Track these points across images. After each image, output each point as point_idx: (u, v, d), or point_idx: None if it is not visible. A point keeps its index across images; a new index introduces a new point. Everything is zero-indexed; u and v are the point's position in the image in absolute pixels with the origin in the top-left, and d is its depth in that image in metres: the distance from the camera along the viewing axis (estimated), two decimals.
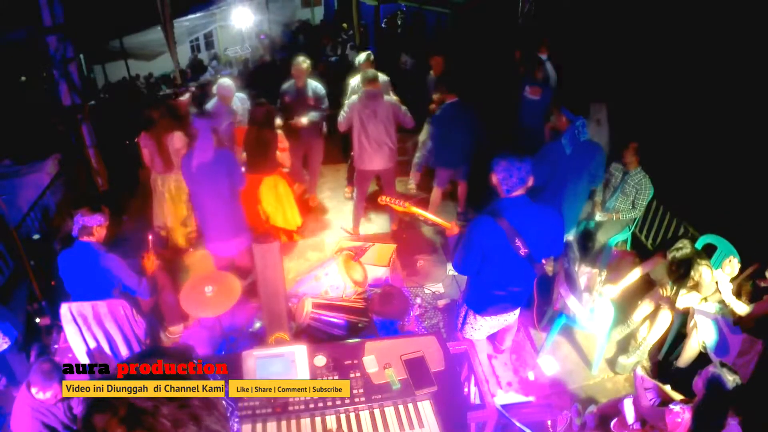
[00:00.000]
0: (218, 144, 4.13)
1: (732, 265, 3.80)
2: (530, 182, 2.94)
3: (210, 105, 5.57)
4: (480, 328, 3.40)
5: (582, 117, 4.11)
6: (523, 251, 2.93)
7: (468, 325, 3.43)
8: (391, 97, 5.24)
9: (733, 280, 3.83)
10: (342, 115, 5.12)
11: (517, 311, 3.46)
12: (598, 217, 4.85)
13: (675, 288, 3.88)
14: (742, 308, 3.64)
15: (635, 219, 5.01)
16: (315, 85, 5.77)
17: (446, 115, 5.17)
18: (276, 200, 5.04)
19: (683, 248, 3.74)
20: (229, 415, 0.83)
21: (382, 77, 5.64)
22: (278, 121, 5.27)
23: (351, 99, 5.16)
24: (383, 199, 3.57)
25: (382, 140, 5.09)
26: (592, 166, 4.17)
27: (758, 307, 3.58)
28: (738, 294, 3.79)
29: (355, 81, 5.74)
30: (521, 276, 3.11)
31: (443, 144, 5.34)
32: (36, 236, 5.28)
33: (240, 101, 5.73)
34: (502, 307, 3.29)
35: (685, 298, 3.84)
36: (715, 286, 3.75)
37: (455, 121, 5.14)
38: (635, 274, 4.14)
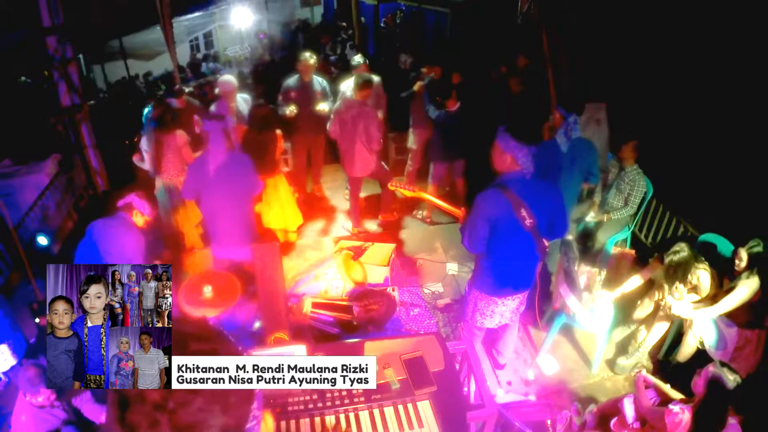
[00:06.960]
0: (230, 146, 4.04)
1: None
2: (530, 167, 3.07)
3: (214, 106, 5.50)
4: (490, 313, 3.45)
5: (574, 114, 4.11)
6: (528, 221, 3.03)
7: (478, 312, 3.48)
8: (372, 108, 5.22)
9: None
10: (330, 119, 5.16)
11: (523, 296, 3.50)
12: (590, 217, 4.81)
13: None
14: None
15: (635, 218, 5.00)
16: (321, 80, 5.79)
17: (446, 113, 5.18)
18: (277, 201, 5.03)
19: (680, 251, 3.73)
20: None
21: (375, 78, 5.65)
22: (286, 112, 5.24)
23: (336, 105, 5.20)
24: (393, 184, 3.69)
25: (363, 146, 5.11)
26: (586, 164, 4.17)
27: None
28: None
29: (345, 86, 5.73)
30: (526, 252, 3.19)
31: (440, 138, 5.35)
32: (43, 241, 5.19)
33: (245, 101, 5.67)
34: (509, 288, 3.35)
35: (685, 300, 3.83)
36: (716, 288, 3.75)
37: (452, 118, 5.15)
38: (634, 281, 4.13)
